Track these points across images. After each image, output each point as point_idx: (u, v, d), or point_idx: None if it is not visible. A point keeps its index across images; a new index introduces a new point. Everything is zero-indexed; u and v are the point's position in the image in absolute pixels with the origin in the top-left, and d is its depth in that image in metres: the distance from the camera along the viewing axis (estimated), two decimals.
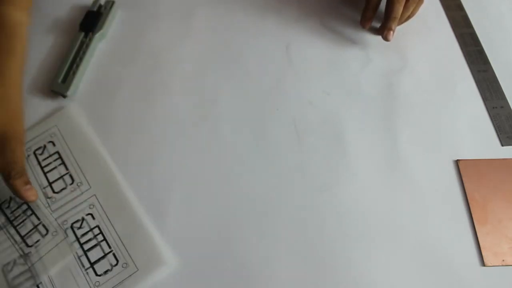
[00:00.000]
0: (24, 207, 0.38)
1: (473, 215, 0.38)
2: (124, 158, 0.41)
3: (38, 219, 0.37)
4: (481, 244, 0.36)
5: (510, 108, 0.43)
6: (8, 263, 0.36)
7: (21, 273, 0.35)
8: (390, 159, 0.40)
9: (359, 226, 0.37)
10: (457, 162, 0.40)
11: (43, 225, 0.37)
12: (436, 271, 0.35)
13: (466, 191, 0.39)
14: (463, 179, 0.39)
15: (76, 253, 0.36)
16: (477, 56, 0.47)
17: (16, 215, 0.38)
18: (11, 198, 0.38)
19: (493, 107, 0.43)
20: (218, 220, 0.38)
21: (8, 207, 0.38)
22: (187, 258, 0.36)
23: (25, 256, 0.36)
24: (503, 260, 0.36)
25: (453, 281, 0.35)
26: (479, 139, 0.42)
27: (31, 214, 0.38)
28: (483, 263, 0.35)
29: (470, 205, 0.38)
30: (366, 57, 0.46)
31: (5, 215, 0.38)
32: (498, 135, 0.42)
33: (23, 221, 0.37)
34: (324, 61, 0.46)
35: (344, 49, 0.47)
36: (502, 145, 0.41)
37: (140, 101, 0.44)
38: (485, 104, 0.44)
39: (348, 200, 0.38)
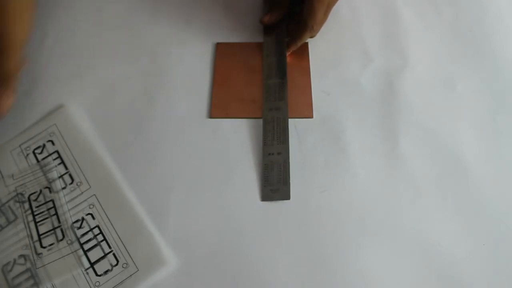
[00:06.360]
0: (50, 204, 0.38)
1: None
2: (124, 158, 0.40)
3: (59, 221, 0.37)
4: None
5: None
6: (8, 263, 0.36)
7: (21, 273, 0.35)
8: (390, 159, 0.40)
9: (358, 226, 0.37)
10: None
11: (61, 230, 0.37)
12: (436, 271, 0.35)
13: None
14: None
15: (77, 253, 0.36)
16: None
17: (40, 210, 0.37)
18: (40, 191, 0.38)
19: None
20: (218, 220, 0.38)
21: (36, 199, 0.38)
22: (188, 258, 0.36)
23: (37, 255, 0.36)
24: None
25: (455, 281, 0.35)
26: (479, 137, 0.42)
27: (54, 215, 0.37)
28: None
29: None
30: (366, 57, 0.46)
31: (31, 207, 0.37)
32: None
33: (45, 219, 0.37)
34: (324, 61, 0.46)
35: (344, 49, 0.47)
36: None
37: (140, 100, 0.44)
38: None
39: (347, 200, 0.38)
